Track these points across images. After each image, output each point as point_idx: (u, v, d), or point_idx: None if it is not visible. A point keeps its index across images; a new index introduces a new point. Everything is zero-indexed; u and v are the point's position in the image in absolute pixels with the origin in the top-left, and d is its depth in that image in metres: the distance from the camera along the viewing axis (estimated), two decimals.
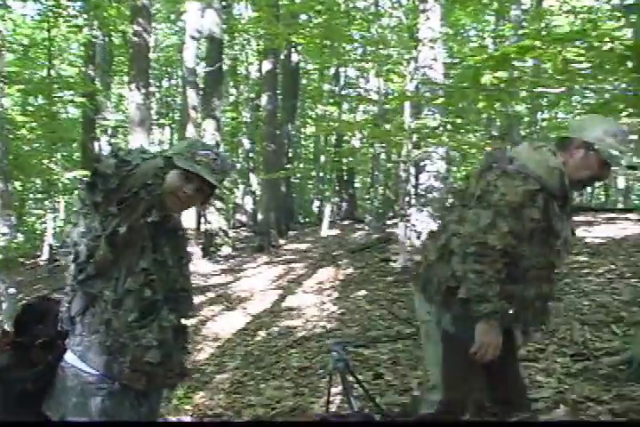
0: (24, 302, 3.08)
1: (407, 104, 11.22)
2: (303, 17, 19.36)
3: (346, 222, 23.04)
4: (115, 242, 2.42)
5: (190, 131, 15.06)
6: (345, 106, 25.68)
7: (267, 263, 14.63)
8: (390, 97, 16.30)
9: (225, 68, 21.65)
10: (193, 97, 15.17)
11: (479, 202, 2.98)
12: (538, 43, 5.28)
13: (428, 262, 3.26)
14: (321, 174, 27.57)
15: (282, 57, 21.77)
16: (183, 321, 2.78)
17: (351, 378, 4.77)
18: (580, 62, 5.46)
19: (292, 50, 22.09)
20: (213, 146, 2.78)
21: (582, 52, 5.15)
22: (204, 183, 2.60)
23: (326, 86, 26.29)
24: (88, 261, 2.45)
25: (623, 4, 5.35)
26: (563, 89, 6.01)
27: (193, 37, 15.22)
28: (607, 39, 5.28)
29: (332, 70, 25.35)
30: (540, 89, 6.38)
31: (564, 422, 3.86)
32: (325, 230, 19.52)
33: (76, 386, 2.52)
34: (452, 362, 3.19)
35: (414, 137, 11.17)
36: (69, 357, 2.56)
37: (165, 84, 31.99)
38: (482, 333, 2.97)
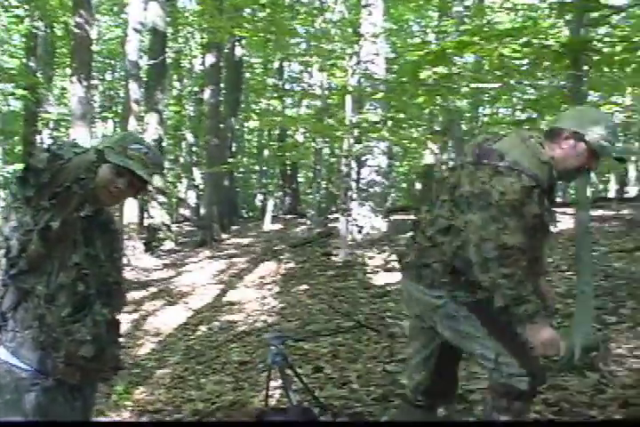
0: None
1: (349, 99, 11.24)
2: (248, 10, 19.24)
3: (289, 217, 23.04)
4: (47, 236, 2.39)
5: (132, 124, 14.88)
6: (289, 100, 25.63)
7: (209, 258, 14.57)
8: (333, 91, 16.30)
9: (168, 61, 21.45)
10: (135, 90, 14.98)
11: (477, 202, 2.93)
12: (476, 39, 5.32)
13: (420, 249, 3.20)
14: (264, 168, 27.53)
15: (225, 50, 21.64)
16: (116, 315, 2.75)
17: (290, 372, 4.77)
18: (517, 59, 5.53)
19: (236, 43, 21.96)
20: (145, 139, 2.74)
21: (518, 48, 5.20)
22: (135, 177, 2.58)
23: (270, 80, 26.26)
24: (20, 255, 2.41)
25: (557, 2, 5.40)
26: (499, 84, 6.07)
27: (136, 30, 15.02)
28: (543, 36, 5.36)
29: (276, 64, 25.33)
30: (477, 84, 6.43)
31: (563, 422, 3.90)
32: (268, 225, 19.49)
33: (10, 383, 2.49)
34: (498, 325, 3.06)
35: (355, 132, 11.20)
36: (2, 353, 2.51)
37: (109, 76, 31.61)
38: (534, 334, 2.89)
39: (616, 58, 5.24)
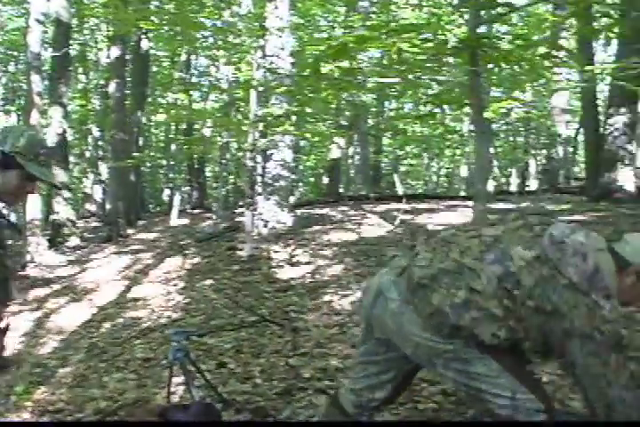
0: None
1: (254, 93, 11.21)
2: (154, 3, 19.01)
3: (196, 211, 22.87)
4: None
5: (35, 118, 14.54)
6: (196, 94, 25.44)
7: (114, 254, 14.35)
8: (239, 85, 16.28)
9: (73, 53, 21.06)
10: (38, 83, 14.64)
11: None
12: (377, 33, 5.39)
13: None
14: (172, 163, 27.27)
15: (132, 43, 21.34)
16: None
17: (193, 368, 4.76)
18: (416, 54, 5.61)
19: (143, 36, 21.65)
20: (43, 139, 2.69)
21: (417, 43, 5.29)
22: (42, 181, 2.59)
23: (177, 74, 26.00)
24: None
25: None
26: (398, 79, 6.16)
27: (38, 21, 14.67)
28: (443, 32, 5.46)
29: (183, 58, 25.10)
30: (377, 79, 6.50)
31: (563, 422, 3.97)
32: (175, 220, 19.30)
33: None
34: (512, 361, 2.85)
35: (260, 126, 11.20)
36: None
37: (12, 68, 30.80)
38: None
39: (515, 55, 5.38)
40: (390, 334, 2.97)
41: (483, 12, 5.20)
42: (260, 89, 10.39)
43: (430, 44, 5.31)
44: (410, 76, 5.75)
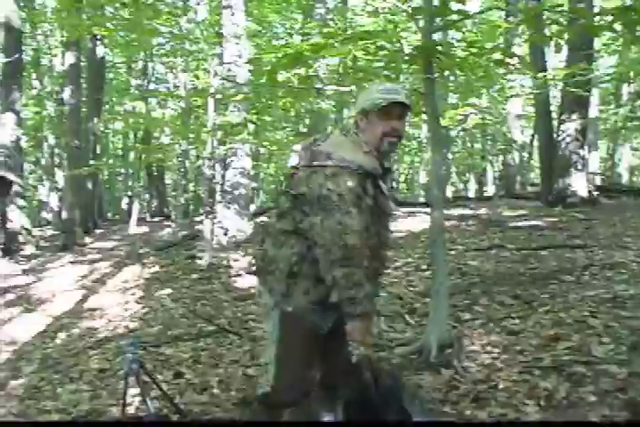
0: None
1: (211, 101, 11.16)
2: (109, 9, 18.85)
3: (156, 219, 22.73)
4: None
5: None
6: (153, 101, 25.27)
7: (71, 263, 14.18)
8: (197, 93, 16.21)
9: (26, 59, 20.80)
10: None
11: (320, 206, 3.02)
12: (332, 41, 5.37)
13: (267, 256, 3.30)
14: (130, 171, 27.06)
15: (87, 49, 21.15)
16: None
17: (148, 379, 4.70)
18: (372, 61, 5.61)
19: (98, 42, 21.47)
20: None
21: (372, 51, 5.28)
22: None
23: (134, 81, 25.82)
24: None
25: (410, 6, 5.52)
26: (352, 87, 6.16)
27: None
28: (396, 39, 5.46)
29: (140, 64, 24.94)
30: (332, 87, 6.49)
31: (563, 423, 3.95)
32: (133, 228, 19.16)
33: None
34: (290, 343, 3.25)
35: (219, 134, 11.14)
36: None
37: None
38: (357, 332, 3.04)
39: (469, 62, 5.40)
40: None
41: (437, 19, 5.20)
42: (218, 97, 10.32)
43: (385, 52, 5.30)
44: (365, 84, 5.74)
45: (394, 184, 33.71)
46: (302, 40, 19.46)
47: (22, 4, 17.76)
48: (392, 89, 3.25)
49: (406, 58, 5.24)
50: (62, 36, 22.73)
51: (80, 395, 5.96)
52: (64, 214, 18.77)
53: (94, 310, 9.47)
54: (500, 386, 4.25)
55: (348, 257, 2.93)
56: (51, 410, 5.74)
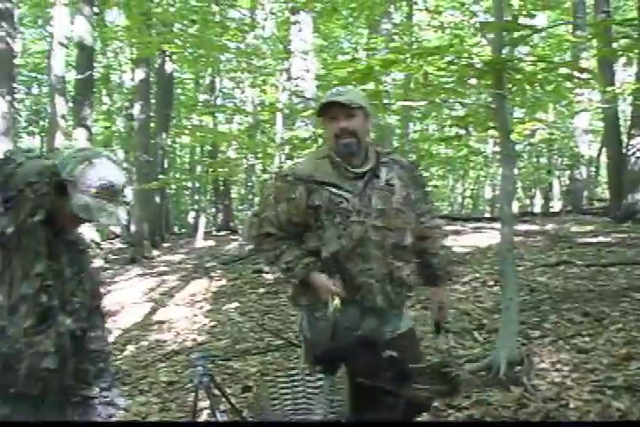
0: None
1: (279, 115, 11.26)
2: (178, 26, 19.19)
3: (221, 233, 22.93)
4: (3, 244, 2.36)
5: (59, 140, 14.66)
6: (220, 116, 25.54)
7: (139, 275, 14.38)
8: (264, 108, 16.36)
9: (97, 75, 21.24)
10: (62, 105, 14.79)
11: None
12: (402, 56, 5.40)
13: None
14: (197, 185, 27.36)
15: (156, 66, 21.53)
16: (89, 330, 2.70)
17: (218, 392, 4.74)
18: (442, 77, 5.62)
19: (167, 59, 21.83)
20: (106, 167, 2.50)
21: (443, 66, 5.29)
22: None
23: (202, 96, 26.15)
24: None
25: (479, 21, 5.53)
26: (425, 102, 6.16)
27: (61, 44, 14.85)
28: (467, 54, 5.46)
29: (208, 80, 25.25)
30: (404, 102, 6.51)
31: (564, 423, 3.94)
32: (200, 241, 19.36)
33: None
34: None
35: (286, 148, 11.22)
36: None
37: (35, 90, 31.12)
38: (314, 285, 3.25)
39: (537, 77, 5.38)
40: None
41: (505, 34, 5.20)
42: (286, 111, 10.42)
43: (455, 67, 5.31)
44: (436, 100, 5.75)
45: (459, 199, 33.51)
46: (368, 55, 19.55)
47: (95, 24, 18.11)
48: (335, 92, 3.29)
49: (477, 73, 5.23)
50: (132, 53, 23.18)
51: (149, 407, 6.04)
52: (132, 228, 19.08)
53: (163, 322, 9.59)
54: (571, 405, 4.20)
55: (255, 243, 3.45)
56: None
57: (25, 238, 2.41)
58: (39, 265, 2.45)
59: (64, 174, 2.44)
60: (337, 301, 3.13)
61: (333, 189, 3.20)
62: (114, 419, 2.70)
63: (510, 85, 5.55)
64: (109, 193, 2.48)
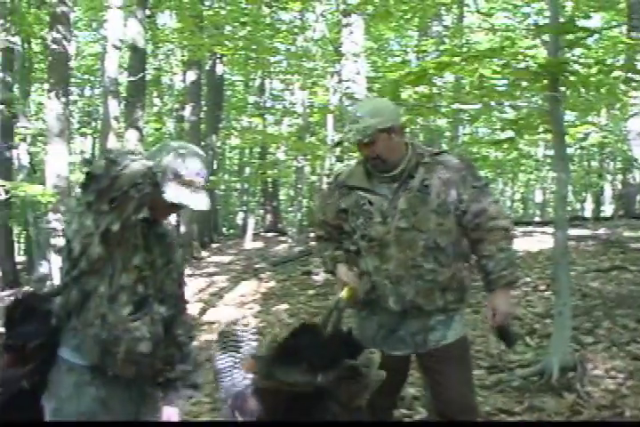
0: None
1: (330, 117, 11.26)
2: (228, 28, 19.32)
3: (270, 235, 23.01)
4: (108, 239, 2.53)
5: (112, 141, 14.80)
6: (270, 118, 25.64)
7: (188, 276, 14.43)
8: (314, 110, 16.38)
9: (148, 77, 21.43)
10: (115, 107, 14.91)
11: None
12: (456, 59, 5.38)
13: None
14: (245, 186, 27.49)
15: (206, 68, 21.67)
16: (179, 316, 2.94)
17: None
18: (496, 79, 5.59)
19: (217, 61, 21.98)
20: (194, 157, 2.73)
21: (498, 69, 5.26)
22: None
23: (251, 98, 26.27)
24: (80, 257, 2.57)
25: (534, 23, 5.49)
26: (479, 105, 6.12)
27: (115, 47, 14.99)
28: (521, 57, 5.42)
29: (257, 82, 25.36)
30: (457, 105, 6.48)
31: (564, 423, 3.91)
32: (249, 243, 19.45)
33: (70, 378, 2.68)
34: None
35: (337, 150, 11.22)
36: (64, 351, 2.71)
37: (87, 92, 31.50)
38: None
39: (592, 79, 5.32)
40: None
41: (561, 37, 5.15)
42: (337, 114, 10.41)
43: (510, 70, 5.27)
44: (491, 103, 5.71)
45: (508, 202, 33.22)
46: (418, 58, 19.48)
47: (147, 27, 18.30)
48: (352, 118, 3.34)
49: (532, 76, 5.19)
50: (182, 56, 23.36)
51: (201, 406, 6.09)
52: (182, 228, 19.22)
53: (212, 323, 9.65)
54: (627, 414, 4.15)
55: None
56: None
57: (126, 234, 2.59)
58: (137, 258, 2.67)
59: (154, 167, 2.60)
60: (345, 292, 3.21)
61: (361, 193, 3.29)
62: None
63: (565, 88, 5.50)
64: (197, 180, 2.68)
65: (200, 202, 2.70)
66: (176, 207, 2.77)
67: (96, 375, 2.68)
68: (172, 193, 2.61)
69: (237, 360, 3.20)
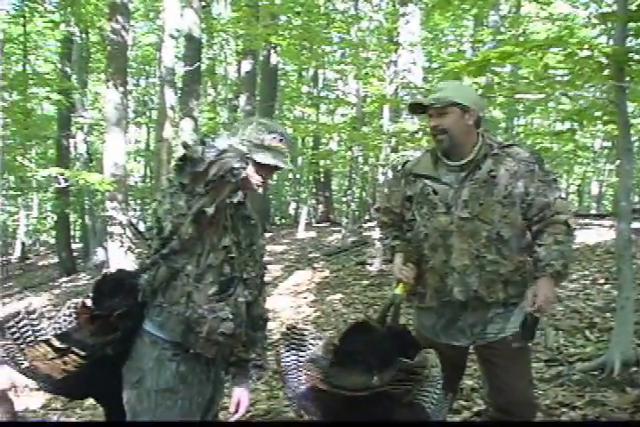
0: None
1: (386, 108, 11.20)
2: (283, 18, 19.30)
3: (322, 225, 23.03)
4: (200, 220, 2.63)
5: (168, 130, 14.89)
6: (323, 108, 25.61)
7: None
8: (369, 100, 16.31)
9: (203, 67, 21.53)
10: (171, 96, 15.00)
11: None
12: (518, 49, 5.29)
13: None
14: (298, 176, 27.54)
15: (261, 58, 21.72)
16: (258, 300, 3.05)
17: None
18: (558, 69, 5.49)
19: (272, 51, 22.00)
20: (274, 125, 2.88)
21: (561, 58, 5.17)
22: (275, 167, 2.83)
23: (305, 88, 26.27)
24: (172, 237, 2.69)
25: (598, 11, 5.38)
26: (541, 95, 6.03)
27: (172, 36, 15.05)
28: (586, 46, 5.31)
29: (311, 72, 25.33)
30: (518, 95, 6.39)
31: (564, 423, 3.86)
32: (302, 232, 19.50)
33: (153, 352, 2.79)
34: None
35: (393, 141, 11.17)
36: (148, 325, 2.82)
37: (143, 82, 31.79)
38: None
39: None
40: None
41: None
42: (393, 104, 10.36)
43: (575, 59, 5.17)
44: (556, 93, 5.62)
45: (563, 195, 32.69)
46: (473, 48, 19.30)
47: (202, 17, 18.38)
48: (436, 88, 3.38)
49: (596, 65, 5.08)
50: (237, 45, 23.45)
51: (257, 394, 6.11)
52: None
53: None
54: None
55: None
56: (227, 406, 5.89)
57: (218, 215, 2.68)
58: (226, 239, 2.78)
59: (240, 141, 2.74)
60: (400, 287, 3.23)
61: (427, 182, 3.28)
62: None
63: (631, 78, 5.38)
64: (282, 143, 2.81)
65: (288, 162, 2.81)
66: (265, 171, 2.81)
67: (178, 352, 2.77)
68: (262, 155, 2.72)
69: (301, 360, 3.20)
